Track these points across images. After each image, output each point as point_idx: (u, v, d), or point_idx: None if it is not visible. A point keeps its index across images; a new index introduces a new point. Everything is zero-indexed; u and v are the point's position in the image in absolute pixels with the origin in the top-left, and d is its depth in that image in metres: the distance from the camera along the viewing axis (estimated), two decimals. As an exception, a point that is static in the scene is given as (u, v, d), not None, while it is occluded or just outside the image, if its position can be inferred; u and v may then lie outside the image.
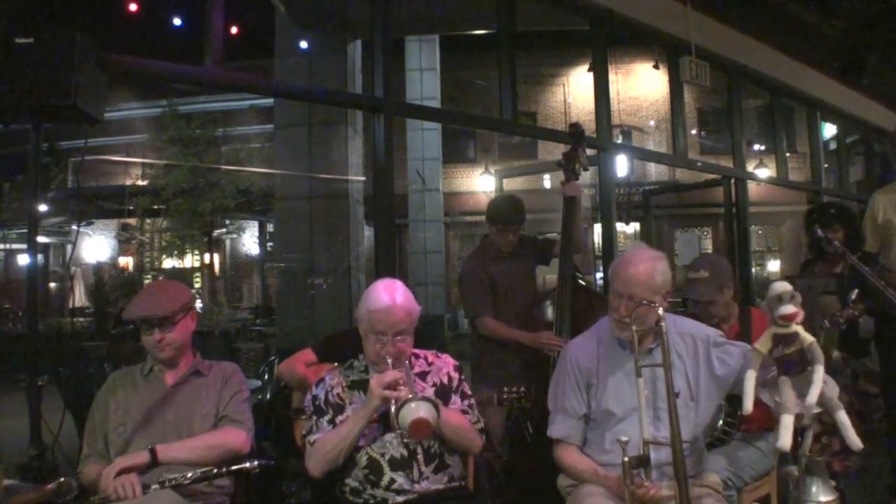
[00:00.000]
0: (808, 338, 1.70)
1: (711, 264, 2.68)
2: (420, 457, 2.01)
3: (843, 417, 1.69)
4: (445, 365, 2.18)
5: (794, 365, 1.70)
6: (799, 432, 1.77)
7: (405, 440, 1.97)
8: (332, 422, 2.03)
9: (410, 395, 1.87)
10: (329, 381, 2.12)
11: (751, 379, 1.76)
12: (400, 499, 1.98)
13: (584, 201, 3.51)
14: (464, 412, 2.11)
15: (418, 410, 1.83)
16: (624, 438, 1.82)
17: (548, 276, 3.59)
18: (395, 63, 4.29)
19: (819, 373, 1.67)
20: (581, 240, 3.31)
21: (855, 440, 1.67)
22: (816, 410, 1.71)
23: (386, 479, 1.98)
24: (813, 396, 1.65)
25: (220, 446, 2.09)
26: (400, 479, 1.98)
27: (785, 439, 1.64)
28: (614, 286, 2.06)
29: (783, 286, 1.70)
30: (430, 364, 2.18)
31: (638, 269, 2.02)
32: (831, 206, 3.82)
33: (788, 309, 1.69)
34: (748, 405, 1.75)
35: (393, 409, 1.87)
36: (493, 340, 3.30)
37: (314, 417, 2.07)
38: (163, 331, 2.16)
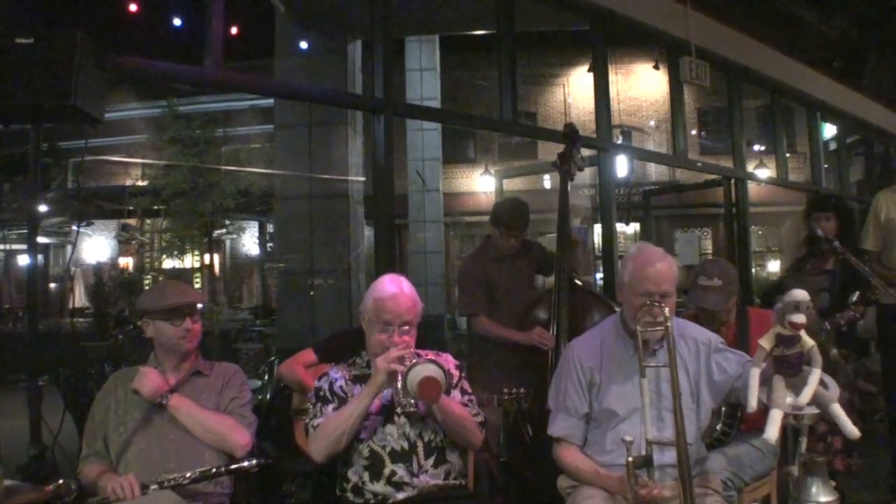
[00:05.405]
0: (809, 342, 1.70)
1: (724, 273, 2.63)
2: (420, 450, 2.02)
3: (836, 409, 1.70)
4: (446, 363, 2.18)
5: (791, 368, 1.70)
6: (795, 432, 1.77)
7: (413, 407, 1.94)
8: (336, 409, 2.05)
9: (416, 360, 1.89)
10: (333, 374, 2.14)
11: (755, 376, 1.75)
12: (400, 496, 1.98)
13: (584, 202, 3.53)
14: (464, 405, 2.12)
15: (426, 370, 1.86)
16: (628, 438, 1.82)
17: (547, 277, 3.60)
18: (395, 63, 4.28)
19: (815, 375, 1.67)
20: (579, 265, 3.38)
21: (851, 429, 1.67)
22: (814, 411, 1.71)
23: (387, 471, 1.99)
24: (805, 397, 1.66)
25: (220, 434, 2.10)
26: (400, 472, 1.99)
27: (772, 432, 1.64)
28: (644, 287, 1.98)
29: (802, 294, 1.70)
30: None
31: (662, 265, 2.01)
32: (830, 195, 3.83)
33: (799, 318, 1.68)
34: (752, 402, 1.73)
35: (399, 384, 1.88)
36: (490, 340, 3.32)
37: (318, 405, 2.08)
38: (193, 319, 2.19)
